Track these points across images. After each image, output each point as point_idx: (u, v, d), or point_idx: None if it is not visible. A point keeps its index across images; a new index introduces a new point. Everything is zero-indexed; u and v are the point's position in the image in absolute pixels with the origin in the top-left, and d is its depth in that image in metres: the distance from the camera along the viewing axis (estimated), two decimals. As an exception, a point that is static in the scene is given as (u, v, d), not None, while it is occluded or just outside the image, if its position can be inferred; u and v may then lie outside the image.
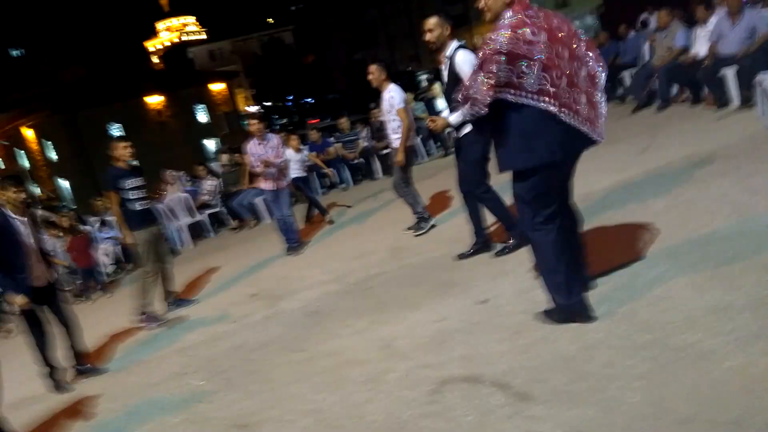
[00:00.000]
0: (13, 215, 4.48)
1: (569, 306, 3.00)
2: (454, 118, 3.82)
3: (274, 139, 6.88)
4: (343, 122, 12.30)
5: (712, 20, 7.36)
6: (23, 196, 4.57)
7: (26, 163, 32.87)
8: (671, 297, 2.95)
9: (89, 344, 5.18)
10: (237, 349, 4.28)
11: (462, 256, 4.62)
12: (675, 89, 8.23)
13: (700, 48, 7.55)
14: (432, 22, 4.24)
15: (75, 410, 4.10)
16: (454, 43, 4.24)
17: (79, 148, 29.34)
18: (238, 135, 35.70)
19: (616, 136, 6.64)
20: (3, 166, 33.59)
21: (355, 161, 11.19)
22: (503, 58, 2.71)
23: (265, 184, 6.80)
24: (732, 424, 1.96)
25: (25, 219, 4.57)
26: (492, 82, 2.74)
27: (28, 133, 31.46)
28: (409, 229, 5.93)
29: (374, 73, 5.77)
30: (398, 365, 3.20)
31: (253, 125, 6.78)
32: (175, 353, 4.66)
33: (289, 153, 8.07)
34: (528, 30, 2.74)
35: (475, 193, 4.43)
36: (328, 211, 8.37)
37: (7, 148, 33.83)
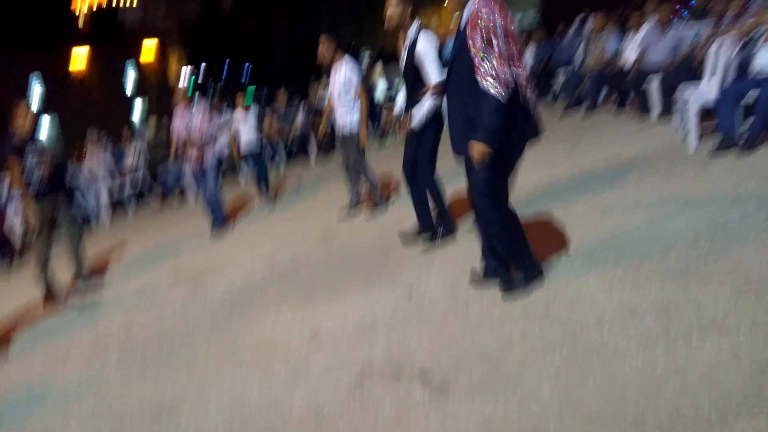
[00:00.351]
0: None
1: (533, 262, 3.30)
2: (425, 110, 3.87)
3: (202, 105, 6.54)
4: (281, 94, 11.96)
5: (644, 28, 7.71)
6: None
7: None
8: (584, 297, 3.11)
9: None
10: (154, 326, 4.16)
11: (406, 240, 4.63)
12: (604, 92, 8.60)
13: (630, 55, 7.90)
14: (394, 2, 4.15)
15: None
16: (416, 23, 4.19)
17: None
18: (168, 96, 34.21)
19: (546, 134, 6.86)
20: None
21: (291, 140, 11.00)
22: (500, 31, 2.89)
23: (191, 159, 6.50)
24: (634, 422, 2.10)
25: None
26: (502, 58, 2.88)
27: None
28: (348, 209, 5.84)
29: (325, 44, 5.52)
30: (322, 357, 3.20)
31: (179, 91, 6.45)
32: (88, 333, 4.46)
33: (237, 114, 7.74)
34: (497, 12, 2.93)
35: (428, 180, 4.42)
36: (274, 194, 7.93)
37: None
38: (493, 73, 2.90)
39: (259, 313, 4.03)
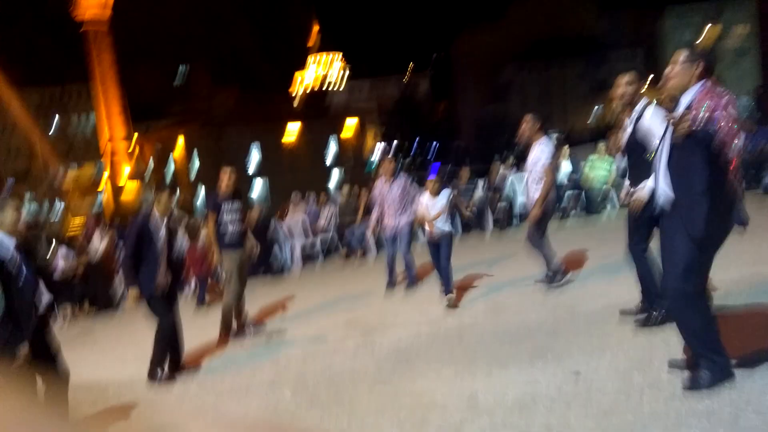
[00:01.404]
0: (157, 216, 5.00)
1: (724, 363, 3.03)
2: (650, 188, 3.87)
3: (402, 178, 7.04)
4: (464, 172, 12.40)
5: None
6: (172, 204, 5.12)
7: (172, 167, 36.49)
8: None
9: (192, 346, 5.56)
10: (325, 370, 4.46)
11: (624, 313, 4.42)
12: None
13: None
14: (631, 76, 4.34)
15: (171, 404, 4.46)
16: (644, 99, 4.26)
17: (219, 159, 32.10)
18: (361, 169, 37.25)
19: (752, 228, 6.16)
20: (153, 167, 37.53)
21: (469, 211, 11.24)
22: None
23: (387, 221, 6.94)
24: None
25: (164, 221, 5.05)
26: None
27: (179, 141, 34.98)
28: (539, 281, 5.80)
29: (528, 122, 5.73)
30: (478, 419, 3.19)
31: (385, 164, 6.99)
32: (269, 364, 4.93)
33: (426, 199, 6.24)
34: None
35: (635, 249, 4.29)
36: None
37: (160, 152, 37.78)
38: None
39: (420, 373, 4.12)
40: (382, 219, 7.11)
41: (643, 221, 4.18)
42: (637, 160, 4.17)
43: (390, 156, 8.43)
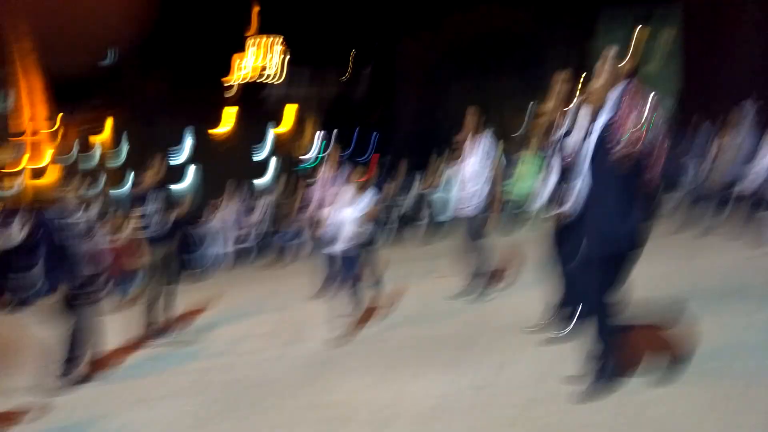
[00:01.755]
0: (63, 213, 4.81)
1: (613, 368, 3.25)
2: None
3: (347, 171, 6.45)
4: (402, 166, 12.22)
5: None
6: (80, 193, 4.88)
7: (98, 152, 34.86)
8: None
9: (110, 345, 5.41)
10: (244, 379, 4.42)
11: (530, 329, 4.49)
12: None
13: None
14: (566, 74, 4.27)
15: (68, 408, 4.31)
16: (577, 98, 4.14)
17: (151, 145, 30.98)
18: (298, 161, 36.83)
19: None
20: (77, 150, 35.67)
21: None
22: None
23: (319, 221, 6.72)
24: None
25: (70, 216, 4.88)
26: None
27: (107, 125, 33.43)
28: (458, 294, 5.76)
29: (473, 115, 5.51)
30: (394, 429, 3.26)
31: (331, 154, 6.67)
32: (186, 370, 4.84)
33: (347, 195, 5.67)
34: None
35: (557, 260, 4.27)
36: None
37: (86, 135, 35.98)
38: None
39: (337, 384, 4.12)
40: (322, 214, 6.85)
41: (564, 232, 4.16)
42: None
43: (335, 144, 7.97)
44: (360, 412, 3.57)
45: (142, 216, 5.70)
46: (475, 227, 5.65)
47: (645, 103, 2.99)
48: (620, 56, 3.18)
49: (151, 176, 5.84)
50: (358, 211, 5.38)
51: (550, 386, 3.48)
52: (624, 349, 3.32)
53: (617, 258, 3.14)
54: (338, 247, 5.42)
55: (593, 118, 3.24)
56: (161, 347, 5.64)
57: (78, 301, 4.82)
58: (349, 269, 5.34)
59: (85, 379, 4.77)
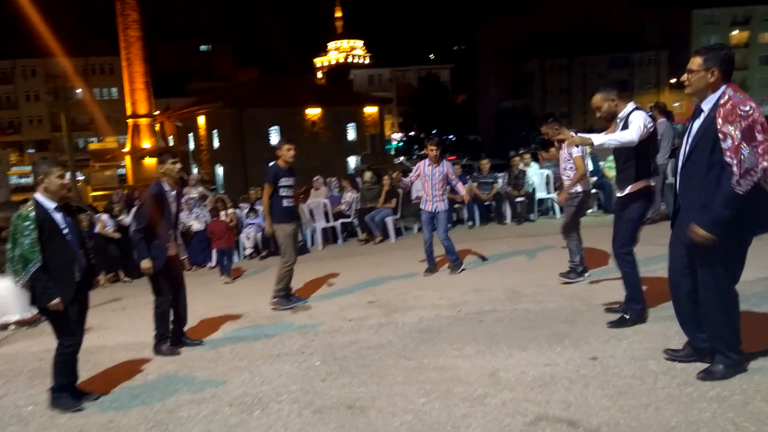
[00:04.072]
0: (167, 187, 4.98)
1: (740, 359, 3.23)
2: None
3: (446, 166, 7.13)
4: (484, 163, 12.55)
5: None
6: (178, 167, 5.08)
7: (192, 146, 36.89)
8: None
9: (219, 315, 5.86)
10: (352, 344, 4.70)
11: (609, 310, 4.69)
12: None
13: None
14: (597, 98, 4.40)
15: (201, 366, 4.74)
16: (630, 105, 4.31)
17: (239, 140, 32.47)
18: (378, 156, 37.41)
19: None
20: (172, 144, 37.98)
21: (487, 203, 11.41)
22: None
23: (425, 205, 7.06)
24: None
25: (174, 193, 5.05)
26: (761, 148, 2.92)
27: (200, 120, 35.32)
28: (561, 275, 5.97)
29: (554, 128, 5.69)
30: (500, 393, 3.41)
31: (432, 150, 7.04)
32: (298, 335, 5.19)
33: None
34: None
35: (618, 252, 4.42)
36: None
37: (180, 130, 38.21)
38: (754, 167, 2.90)
39: (442, 351, 4.33)
40: (420, 199, 7.25)
41: (626, 225, 4.33)
42: (626, 163, 4.29)
43: (435, 140, 8.26)
44: (468, 376, 3.73)
45: (274, 197, 6.12)
46: (575, 217, 5.88)
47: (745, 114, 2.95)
48: (706, 65, 3.09)
49: (284, 161, 6.16)
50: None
51: (660, 361, 3.53)
52: (737, 330, 3.28)
53: (741, 242, 3.14)
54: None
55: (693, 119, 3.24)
56: (287, 310, 6.13)
57: (163, 280, 4.95)
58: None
59: (174, 352, 5.00)
